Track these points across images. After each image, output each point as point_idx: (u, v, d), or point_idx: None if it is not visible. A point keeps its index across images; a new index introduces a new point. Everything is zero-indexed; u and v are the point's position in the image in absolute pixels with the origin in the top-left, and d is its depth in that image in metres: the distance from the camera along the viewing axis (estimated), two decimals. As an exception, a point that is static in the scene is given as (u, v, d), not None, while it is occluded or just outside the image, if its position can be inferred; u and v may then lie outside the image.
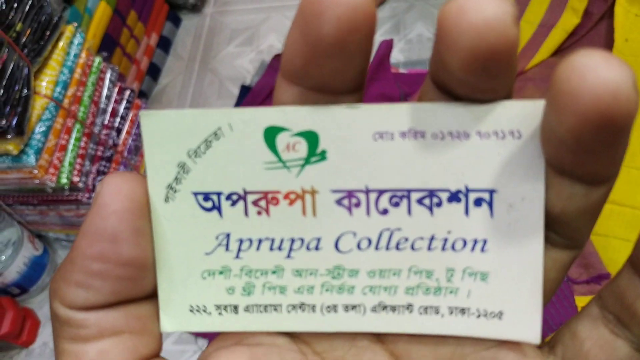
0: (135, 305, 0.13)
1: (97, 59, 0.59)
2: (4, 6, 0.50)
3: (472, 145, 0.13)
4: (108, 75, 0.60)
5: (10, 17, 0.50)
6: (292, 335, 0.14)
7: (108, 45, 0.68)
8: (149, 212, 0.13)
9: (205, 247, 0.14)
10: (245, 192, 0.13)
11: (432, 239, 0.13)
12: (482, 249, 0.13)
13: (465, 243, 0.13)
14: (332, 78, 0.12)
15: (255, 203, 0.13)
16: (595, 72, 0.10)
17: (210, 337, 0.61)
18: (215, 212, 0.14)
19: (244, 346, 0.14)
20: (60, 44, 0.55)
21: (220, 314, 0.14)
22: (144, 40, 0.79)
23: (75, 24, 0.58)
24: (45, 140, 0.52)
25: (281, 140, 0.13)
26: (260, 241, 0.14)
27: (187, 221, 0.14)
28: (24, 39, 0.51)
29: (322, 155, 0.13)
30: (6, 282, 0.61)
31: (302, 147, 0.13)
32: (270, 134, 0.13)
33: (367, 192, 0.13)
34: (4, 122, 0.47)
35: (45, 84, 0.53)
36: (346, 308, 0.14)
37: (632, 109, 0.10)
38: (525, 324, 0.13)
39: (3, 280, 0.60)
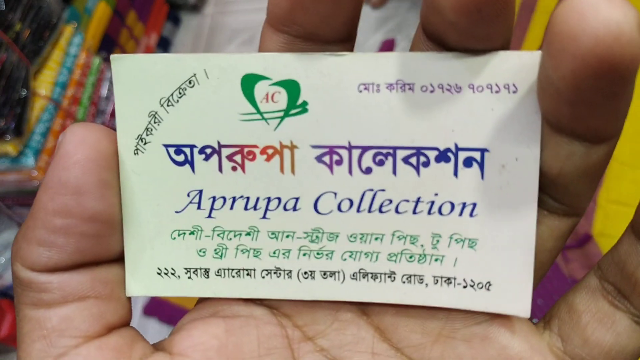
0: (102, 268, 0.13)
1: (97, 60, 0.59)
2: (3, 7, 0.50)
3: (464, 99, 0.12)
4: (107, 76, 0.60)
5: (9, 18, 0.49)
6: (271, 307, 0.13)
7: (107, 45, 0.68)
8: (117, 164, 0.12)
9: (175, 204, 0.13)
10: (220, 146, 0.13)
11: (418, 201, 0.12)
12: (471, 214, 0.12)
13: (453, 207, 0.12)
14: (320, 24, 0.11)
15: (230, 158, 0.13)
16: (595, 11, 0.09)
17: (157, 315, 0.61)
18: (187, 167, 0.13)
19: (219, 318, 0.13)
20: (60, 44, 0.54)
21: (190, 277, 0.13)
22: (144, 41, 0.78)
23: (75, 24, 0.57)
24: (44, 142, 0.51)
25: (260, 89, 0.12)
26: (234, 199, 0.13)
27: (157, 176, 0.13)
28: (23, 40, 0.50)
29: (303, 107, 0.12)
30: (6, 284, 0.60)
31: (282, 98, 0.12)
32: (248, 83, 0.12)
33: (350, 148, 0.12)
34: (2, 123, 0.47)
35: (44, 84, 0.52)
36: (324, 275, 0.13)
37: (636, 53, 0.09)
38: (515, 296, 0.13)
39: (3, 283, 0.60)
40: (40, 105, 0.51)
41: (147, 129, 0.13)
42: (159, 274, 0.13)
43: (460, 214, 0.12)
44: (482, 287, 0.13)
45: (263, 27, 0.12)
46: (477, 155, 0.12)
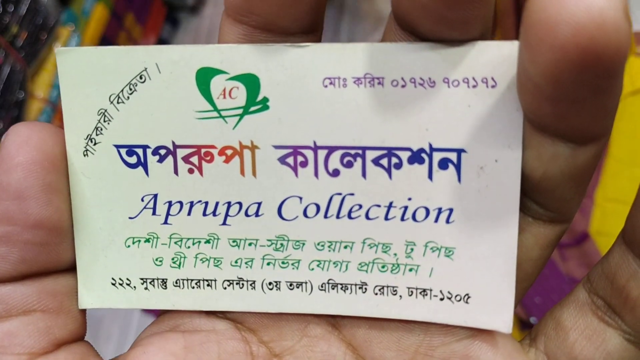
0: (51, 279, 0.12)
1: (94, 62, 0.59)
2: (-1, 9, 0.50)
3: (439, 95, 0.11)
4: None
5: (5, 21, 0.50)
6: (235, 321, 0.13)
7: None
8: (65, 166, 0.12)
9: (129, 210, 0.12)
10: (175, 146, 0.12)
11: (390, 206, 0.12)
12: (447, 220, 0.12)
13: (428, 213, 0.12)
14: (280, 13, 0.10)
15: (186, 159, 0.12)
16: None
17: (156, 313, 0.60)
18: (140, 169, 0.12)
19: (178, 333, 0.12)
20: (57, 46, 0.55)
21: (146, 288, 0.13)
22: (143, 43, 0.78)
23: (72, 27, 0.57)
24: (42, 144, 0.52)
25: (216, 84, 0.11)
26: (191, 204, 0.12)
27: (109, 179, 0.12)
28: (20, 42, 0.51)
29: (264, 104, 0.11)
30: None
31: (241, 94, 0.11)
32: (204, 77, 0.11)
33: (316, 149, 0.12)
34: (0, 125, 0.47)
35: (41, 87, 0.52)
36: (290, 285, 0.12)
37: (622, 42, 0.08)
38: (495, 310, 0.12)
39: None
40: (37, 108, 0.52)
41: (96, 128, 0.12)
42: (113, 284, 0.13)
43: (436, 220, 0.12)
44: (460, 300, 0.12)
45: (222, 18, 0.11)
46: (453, 156, 0.11)
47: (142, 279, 0.13)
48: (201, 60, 0.11)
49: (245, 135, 0.12)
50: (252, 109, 0.11)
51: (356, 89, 0.11)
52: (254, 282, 0.12)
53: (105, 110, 0.12)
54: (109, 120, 0.12)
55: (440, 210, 0.12)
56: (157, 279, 0.13)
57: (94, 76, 0.12)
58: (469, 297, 0.12)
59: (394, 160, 0.11)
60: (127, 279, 0.13)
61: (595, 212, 0.44)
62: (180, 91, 0.11)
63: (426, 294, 0.12)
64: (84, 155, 0.12)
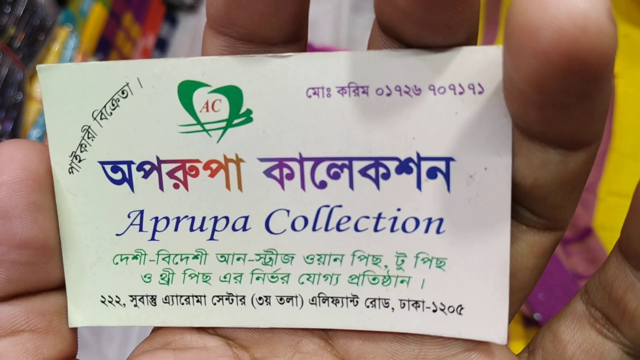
0: (39, 299, 0.12)
1: (93, 62, 0.59)
2: (-4, 11, 0.49)
3: (425, 102, 0.11)
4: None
5: (3, 22, 0.49)
6: (226, 337, 0.13)
7: (104, 47, 0.68)
8: (51, 184, 0.12)
9: (116, 226, 0.12)
10: (159, 161, 0.12)
11: (379, 218, 0.12)
12: (438, 231, 0.11)
13: (418, 223, 0.11)
14: (261, 23, 0.10)
15: (170, 174, 0.12)
16: None
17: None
18: (125, 186, 0.12)
19: (169, 350, 0.12)
20: (55, 47, 0.54)
21: (136, 305, 0.12)
22: (141, 42, 0.78)
23: (70, 27, 0.57)
24: (41, 145, 0.52)
25: (198, 97, 0.11)
26: (178, 220, 0.12)
27: (94, 196, 0.12)
28: (17, 44, 0.50)
29: (247, 116, 0.11)
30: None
31: (224, 106, 0.11)
32: (186, 91, 0.11)
33: (302, 160, 0.11)
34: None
35: (40, 88, 0.52)
36: (281, 300, 0.12)
37: (607, 46, 0.08)
38: (489, 320, 0.11)
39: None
40: (36, 109, 0.51)
41: (80, 145, 0.12)
42: (103, 302, 0.12)
43: (426, 230, 0.11)
44: (453, 311, 0.12)
45: (204, 30, 0.11)
46: (441, 165, 0.11)
47: (131, 296, 0.12)
48: (182, 74, 0.11)
49: (230, 149, 0.11)
50: (236, 121, 0.11)
51: (340, 99, 0.11)
52: (243, 297, 0.12)
53: (89, 127, 0.12)
54: (93, 137, 0.12)
55: (430, 221, 0.11)
56: (147, 296, 0.12)
57: (77, 92, 0.11)
58: (462, 308, 0.12)
59: (382, 170, 0.11)
60: (117, 297, 0.12)
61: (599, 206, 0.44)
62: (162, 105, 0.11)
63: (419, 306, 0.12)
64: (69, 173, 0.12)
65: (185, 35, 0.88)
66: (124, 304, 0.13)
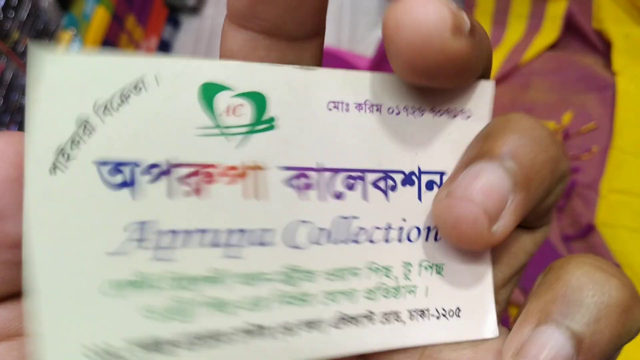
0: None
1: (96, 65, 0.59)
2: (0, 16, 0.50)
3: (426, 122, 0.12)
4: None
5: (6, 27, 0.50)
6: None
7: (107, 50, 0.68)
8: None
9: (107, 243, 0.10)
10: (170, 165, 0.10)
11: (388, 228, 0.12)
12: (436, 238, 0.12)
13: (419, 232, 0.12)
14: (285, 17, 0.10)
15: (182, 180, 0.10)
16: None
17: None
18: (125, 191, 0.10)
19: None
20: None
21: (134, 353, 0.10)
22: (144, 45, 0.79)
23: (74, 31, 0.58)
24: (46, 148, 0.52)
25: (220, 101, 0.11)
26: (188, 234, 0.10)
27: (81, 203, 0.10)
28: (21, 48, 0.51)
29: (270, 124, 0.11)
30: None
31: (247, 112, 0.11)
32: (208, 93, 0.11)
33: (321, 170, 0.11)
34: (3, 131, 0.47)
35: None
36: (307, 326, 0.11)
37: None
38: (482, 318, 0.12)
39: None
40: (40, 113, 0.52)
41: (72, 140, 0.10)
42: (86, 355, 0.09)
43: (427, 238, 0.12)
44: (453, 315, 0.12)
45: (223, 25, 0.11)
46: (436, 178, 0.12)
47: (127, 340, 0.10)
48: (206, 75, 0.11)
49: (249, 156, 0.11)
50: (258, 127, 0.11)
51: (357, 114, 0.12)
52: (269, 327, 0.11)
53: (87, 120, 0.10)
54: (90, 132, 0.10)
55: (429, 229, 0.12)
56: (149, 338, 0.10)
57: (77, 82, 0.10)
58: (459, 311, 0.12)
59: (390, 182, 0.12)
60: (107, 344, 0.09)
61: (601, 203, 0.44)
62: (180, 105, 0.11)
63: (424, 315, 0.12)
64: (51, 173, 0.10)
65: (188, 37, 0.88)
66: (122, 357, 0.10)
